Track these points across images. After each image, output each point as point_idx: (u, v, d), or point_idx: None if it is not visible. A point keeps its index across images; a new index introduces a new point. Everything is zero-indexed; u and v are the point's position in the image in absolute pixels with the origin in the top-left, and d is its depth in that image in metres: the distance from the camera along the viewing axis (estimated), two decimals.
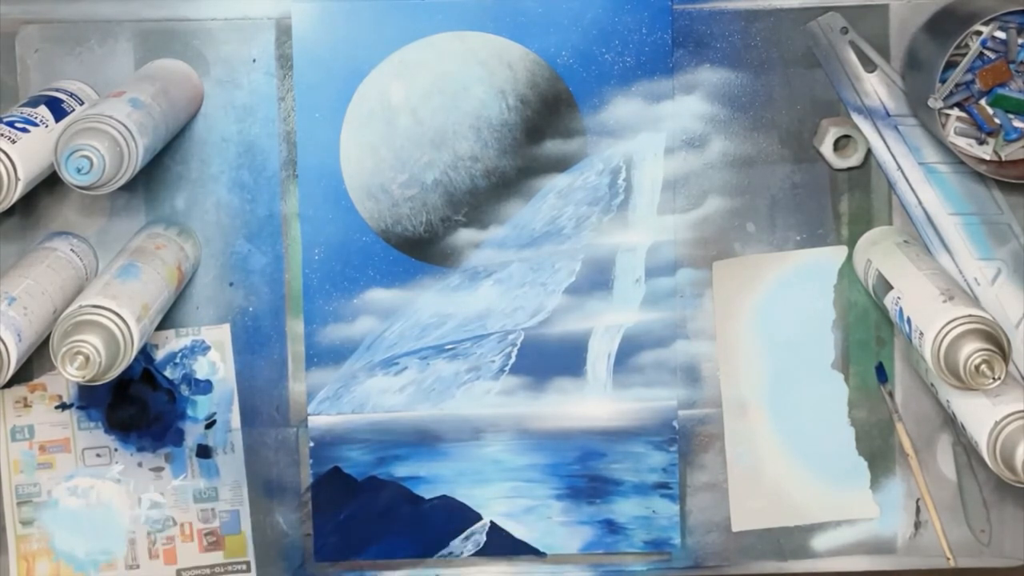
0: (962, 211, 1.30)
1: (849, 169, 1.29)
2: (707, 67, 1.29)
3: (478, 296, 1.31)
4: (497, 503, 1.32)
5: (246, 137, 1.29)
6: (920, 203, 1.30)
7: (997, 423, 1.11)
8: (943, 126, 1.24)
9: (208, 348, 1.30)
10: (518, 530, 1.32)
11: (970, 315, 1.12)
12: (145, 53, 1.27)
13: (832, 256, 1.31)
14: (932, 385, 1.25)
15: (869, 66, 1.29)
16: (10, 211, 1.13)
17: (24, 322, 1.11)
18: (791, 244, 1.31)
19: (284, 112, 1.29)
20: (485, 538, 1.32)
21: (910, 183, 1.30)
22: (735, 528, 1.32)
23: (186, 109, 1.25)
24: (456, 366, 1.31)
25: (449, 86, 1.29)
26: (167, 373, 1.30)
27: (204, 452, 1.31)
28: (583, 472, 1.32)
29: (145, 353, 1.29)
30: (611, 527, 1.32)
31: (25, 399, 1.30)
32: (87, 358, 1.05)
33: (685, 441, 1.32)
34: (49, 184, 1.17)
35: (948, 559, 1.32)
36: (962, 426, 1.18)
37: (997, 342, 1.11)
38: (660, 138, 1.30)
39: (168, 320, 1.28)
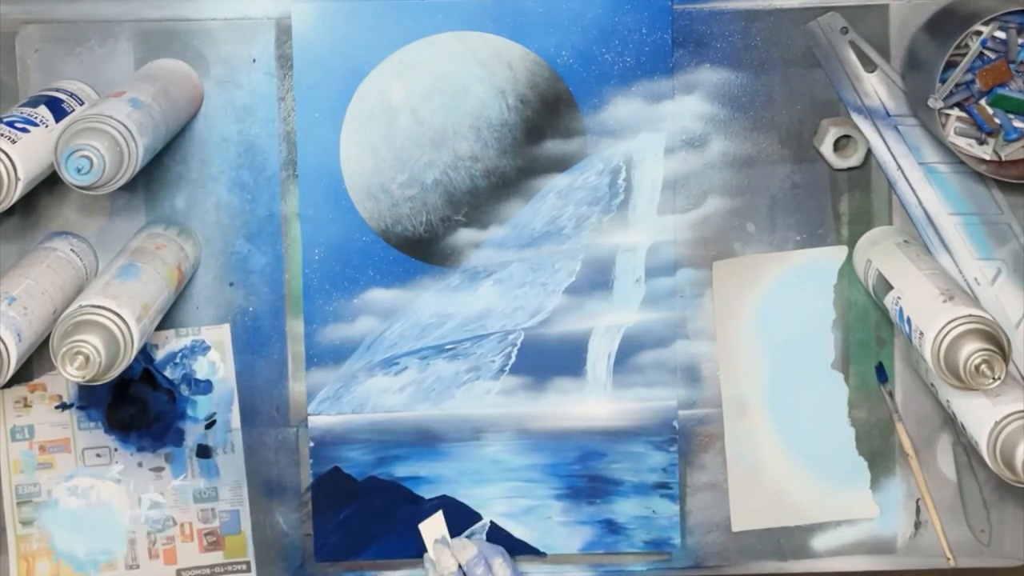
0: (962, 211, 1.30)
1: (849, 169, 1.29)
2: (707, 67, 1.29)
3: (478, 296, 1.31)
4: (497, 503, 1.32)
5: (246, 137, 1.29)
6: (920, 203, 1.30)
7: (997, 423, 1.11)
8: (943, 126, 1.24)
9: (208, 348, 1.30)
10: (518, 530, 1.32)
11: (970, 315, 1.11)
12: (145, 53, 1.27)
13: (832, 256, 1.31)
14: (932, 385, 1.25)
15: (869, 66, 1.29)
16: (10, 211, 1.12)
17: (24, 322, 1.11)
18: (791, 244, 1.31)
19: (284, 112, 1.29)
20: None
21: (910, 183, 1.30)
22: (735, 528, 1.32)
23: (186, 109, 1.25)
24: (456, 366, 1.31)
25: (449, 86, 1.28)
26: (167, 373, 1.30)
27: (204, 452, 1.31)
28: (583, 472, 1.32)
29: (145, 353, 1.29)
30: (611, 527, 1.32)
31: (25, 399, 1.30)
32: (87, 358, 1.05)
33: (685, 441, 1.32)
34: (49, 184, 1.17)
35: (948, 559, 1.32)
36: (962, 426, 1.17)
37: (997, 342, 1.11)
38: (660, 138, 1.29)
39: (168, 320, 1.28)
